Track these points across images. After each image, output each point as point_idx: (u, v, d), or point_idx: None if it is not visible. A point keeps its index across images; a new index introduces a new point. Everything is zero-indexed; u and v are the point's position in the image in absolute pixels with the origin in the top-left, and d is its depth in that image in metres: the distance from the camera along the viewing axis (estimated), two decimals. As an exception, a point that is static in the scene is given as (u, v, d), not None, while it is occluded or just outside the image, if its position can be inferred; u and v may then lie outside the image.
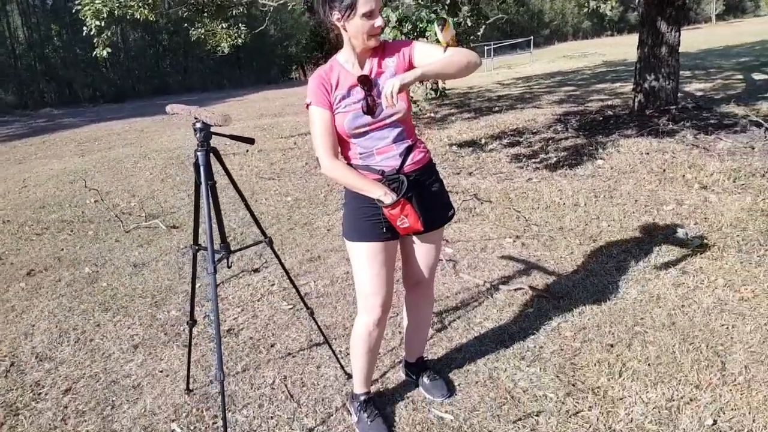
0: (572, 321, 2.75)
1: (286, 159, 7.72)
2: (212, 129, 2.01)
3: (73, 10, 7.76)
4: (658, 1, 6.76)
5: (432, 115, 10.42)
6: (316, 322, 2.46)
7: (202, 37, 10.51)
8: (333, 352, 2.48)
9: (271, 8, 10.15)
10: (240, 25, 10.59)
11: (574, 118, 8.20)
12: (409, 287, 2.18)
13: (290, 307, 3.20)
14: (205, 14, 9.69)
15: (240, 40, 10.53)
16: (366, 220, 1.90)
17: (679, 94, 7.65)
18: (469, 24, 5.23)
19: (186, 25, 10.92)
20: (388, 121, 1.83)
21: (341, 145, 1.90)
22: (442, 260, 3.58)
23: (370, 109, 1.70)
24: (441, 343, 2.67)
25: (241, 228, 4.74)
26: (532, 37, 30.16)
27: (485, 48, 24.89)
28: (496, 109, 10.34)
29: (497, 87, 15.06)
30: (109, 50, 7.70)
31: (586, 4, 5.20)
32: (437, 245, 2.08)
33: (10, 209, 6.22)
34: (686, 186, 4.64)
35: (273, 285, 3.53)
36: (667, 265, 3.24)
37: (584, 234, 3.85)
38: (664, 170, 5.09)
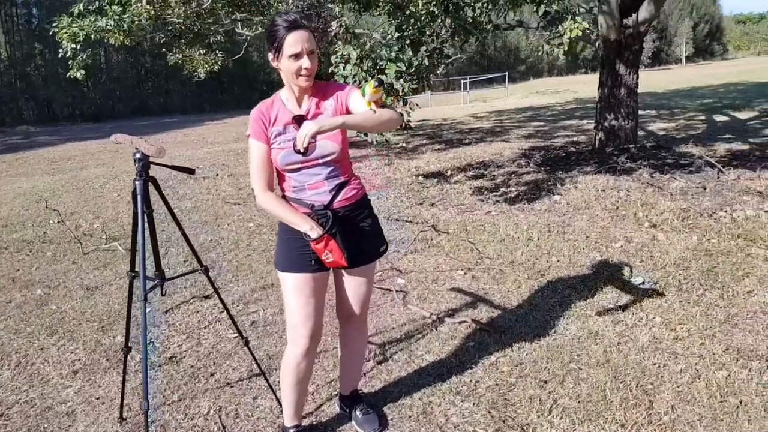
0: (511, 356, 2.80)
1: (255, 185, 7.75)
2: (152, 159, 2.06)
3: (50, 32, 7.79)
4: (616, 45, 7.06)
5: (404, 145, 10.61)
6: (252, 353, 2.48)
7: (180, 62, 10.65)
8: (268, 383, 2.50)
9: (248, 37, 10.33)
10: (217, 51, 10.77)
11: (538, 153, 8.43)
12: (342, 320, 2.22)
13: (235, 335, 3.20)
14: (183, 41, 9.86)
15: (216, 66, 10.69)
16: (295, 252, 1.95)
17: (641, 133, 7.94)
18: (427, 63, 5.40)
19: (164, 50, 11.01)
20: (321, 161, 1.90)
21: (279, 176, 1.97)
22: (391, 291, 3.63)
23: None
24: (380, 375, 2.70)
25: (200, 252, 4.73)
26: (507, 73, 30.97)
27: (462, 81, 25.43)
28: (466, 141, 10.58)
29: (470, 120, 15.39)
30: (83, 72, 7.72)
31: (540, 48, 5.41)
32: (369, 280, 2.13)
33: (-29, 227, 6.13)
34: (637, 224, 4.79)
35: (222, 313, 3.52)
36: (608, 303, 3.33)
37: (533, 268, 3.94)
38: (618, 207, 5.26)
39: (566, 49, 4.79)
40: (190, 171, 2.21)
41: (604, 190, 5.81)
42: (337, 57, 5.07)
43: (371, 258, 2.09)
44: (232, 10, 8.48)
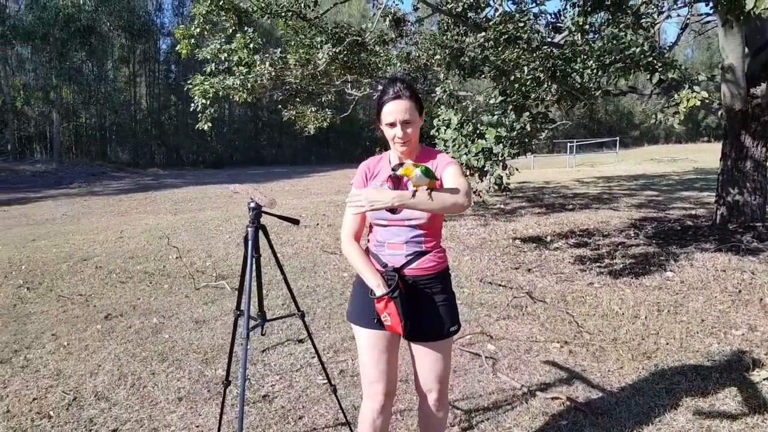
0: (608, 441, 2.59)
1: (353, 236, 7.99)
2: (264, 209, 2.23)
3: (185, 88, 8.80)
4: (741, 115, 6.60)
5: (502, 206, 10.48)
6: (339, 401, 2.51)
7: (293, 117, 11.55)
8: (351, 434, 2.50)
9: (357, 97, 11.00)
10: (327, 109, 11.57)
11: (650, 225, 7.93)
12: (419, 395, 2.13)
13: (324, 382, 3.25)
14: (298, 99, 10.73)
15: (325, 123, 11.46)
16: (364, 306, 1.98)
17: (770, 210, 7.22)
18: (529, 129, 5.32)
19: (279, 106, 12.03)
20: (407, 222, 1.94)
21: (369, 228, 2.05)
22: (480, 356, 3.52)
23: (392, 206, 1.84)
24: (464, 443, 2.60)
25: (297, 297, 4.92)
26: (618, 137, 29.81)
27: (568, 144, 24.89)
28: (570, 206, 10.23)
29: (575, 184, 14.91)
30: (210, 125, 8.57)
31: (653, 117, 5.17)
32: (443, 357, 2.02)
33: (104, 256, 6.87)
34: (763, 311, 4.30)
35: (313, 358, 3.61)
36: (725, 395, 2.99)
37: (638, 349, 3.65)
38: (740, 291, 4.77)
39: (681, 118, 4.54)
40: (296, 222, 2.35)
41: (724, 270, 5.31)
42: (438, 121, 5.19)
43: (437, 335, 1.99)
44: (344, 72, 9.08)
